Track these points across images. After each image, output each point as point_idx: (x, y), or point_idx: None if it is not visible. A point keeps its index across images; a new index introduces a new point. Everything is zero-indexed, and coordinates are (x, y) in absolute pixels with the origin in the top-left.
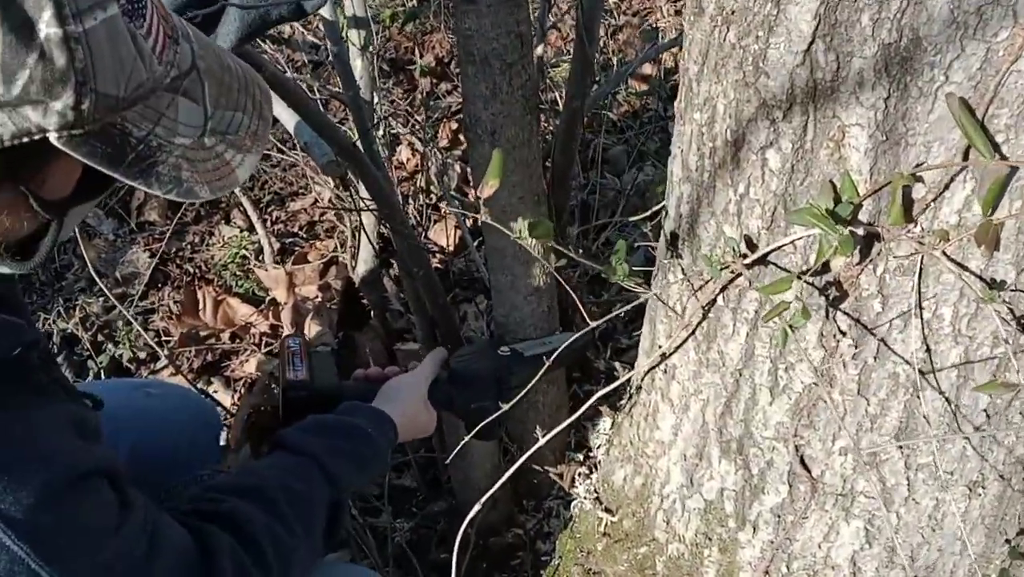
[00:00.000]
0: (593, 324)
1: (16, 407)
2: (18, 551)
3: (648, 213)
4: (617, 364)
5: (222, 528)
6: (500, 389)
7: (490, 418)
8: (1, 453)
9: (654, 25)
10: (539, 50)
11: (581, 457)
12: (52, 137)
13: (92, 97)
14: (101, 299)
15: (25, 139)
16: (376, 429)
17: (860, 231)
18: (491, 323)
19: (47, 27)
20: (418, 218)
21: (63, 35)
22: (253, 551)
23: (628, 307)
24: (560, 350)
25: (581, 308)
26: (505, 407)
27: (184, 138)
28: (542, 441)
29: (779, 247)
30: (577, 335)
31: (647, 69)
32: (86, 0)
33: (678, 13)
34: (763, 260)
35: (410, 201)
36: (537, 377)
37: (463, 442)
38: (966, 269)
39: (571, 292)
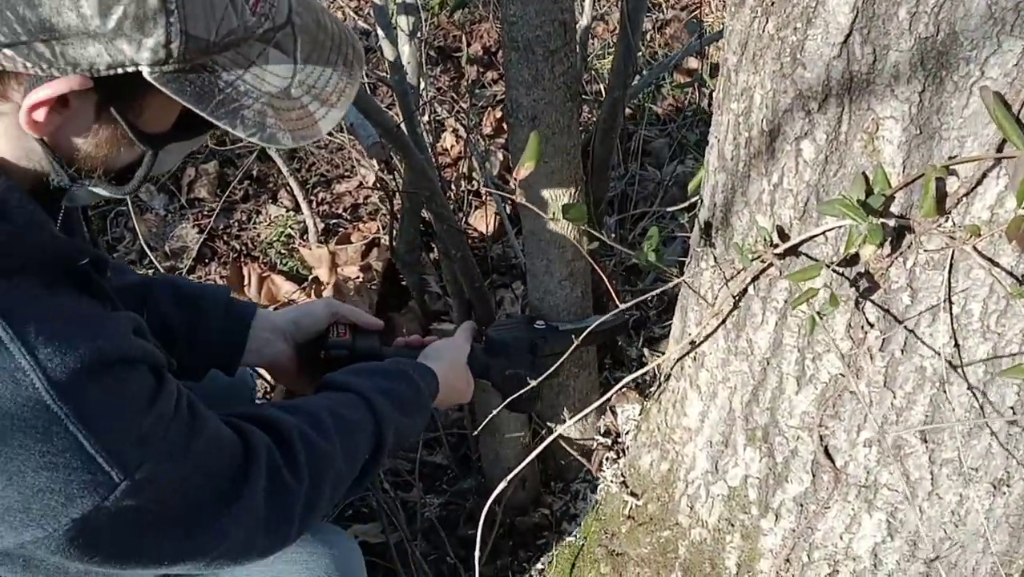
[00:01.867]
0: (623, 306)
1: (87, 300)
2: (58, 411)
3: (686, 204)
4: (647, 352)
5: (260, 428)
6: (534, 358)
7: (524, 390)
8: (60, 326)
9: (700, 19)
10: (584, 20)
11: (609, 442)
12: (144, 71)
13: (182, 38)
14: (151, 272)
15: (119, 70)
16: (419, 376)
17: (891, 223)
18: (526, 308)
19: None
20: (459, 203)
21: None
22: (287, 452)
23: (658, 291)
24: (593, 327)
25: (613, 294)
26: (532, 383)
27: (272, 87)
28: (570, 422)
29: (811, 237)
30: (611, 314)
31: (692, 63)
32: None
33: (725, 8)
34: (794, 250)
35: (452, 186)
36: (571, 351)
37: (496, 410)
38: (997, 265)
39: (603, 277)
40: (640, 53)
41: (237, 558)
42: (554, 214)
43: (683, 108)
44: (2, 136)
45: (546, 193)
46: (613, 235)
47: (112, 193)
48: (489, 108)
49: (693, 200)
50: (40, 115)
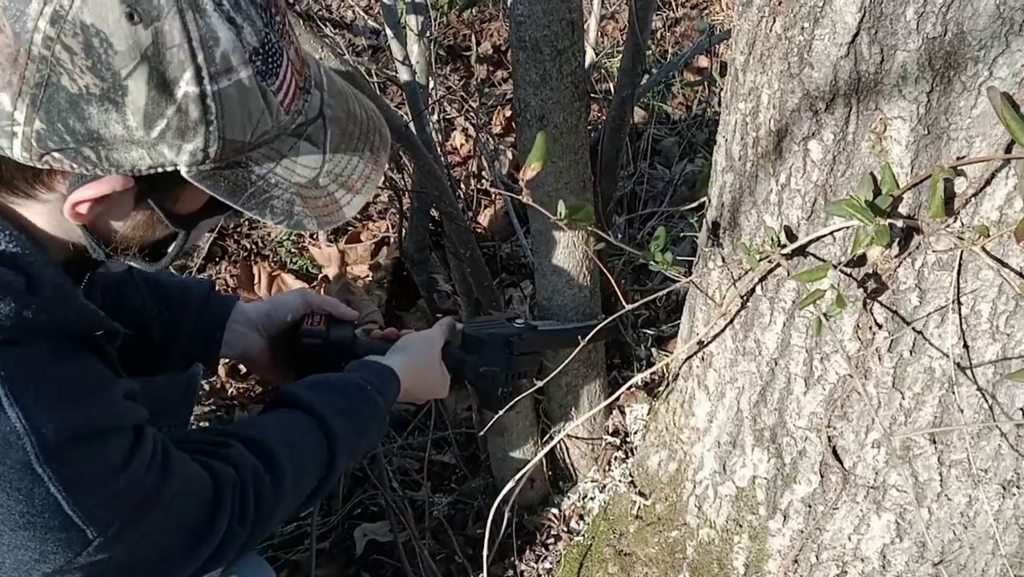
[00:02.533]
0: (615, 316)
1: (89, 367)
2: (41, 473)
3: (695, 204)
4: (655, 351)
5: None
6: (510, 356)
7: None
8: (57, 394)
9: (710, 18)
10: (592, 19)
11: (618, 441)
12: (182, 171)
13: (220, 143)
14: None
15: (159, 170)
16: (377, 385)
17: (899, 223)
18: (534, 307)
19: (186, 85)
20: (468, 202)
21: (199, 93)
22: (242, 499)
23: (665, 291)
24: (566, 329)
25: (620, 293)
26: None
27: (301, 177)
28: (578, 421)
29: (818, 238)
30: (607, 320)
31: (702, 62)
32: (223, 64)
33: (734, 7)
34: (802, 251)
35: (461, 185)
36: (569, 349)
37: (503, 410)
38: (1006, 266)
39: (610, 277)
40: (650, 52)
41: None
42: (561, 215)
43: (693, 107)
44: (45, 216)
45: (554, 193)
46: (621, 235)
47: (146, 268)
48: (499, 107)
49: (702, 200)
50: (83, 208)
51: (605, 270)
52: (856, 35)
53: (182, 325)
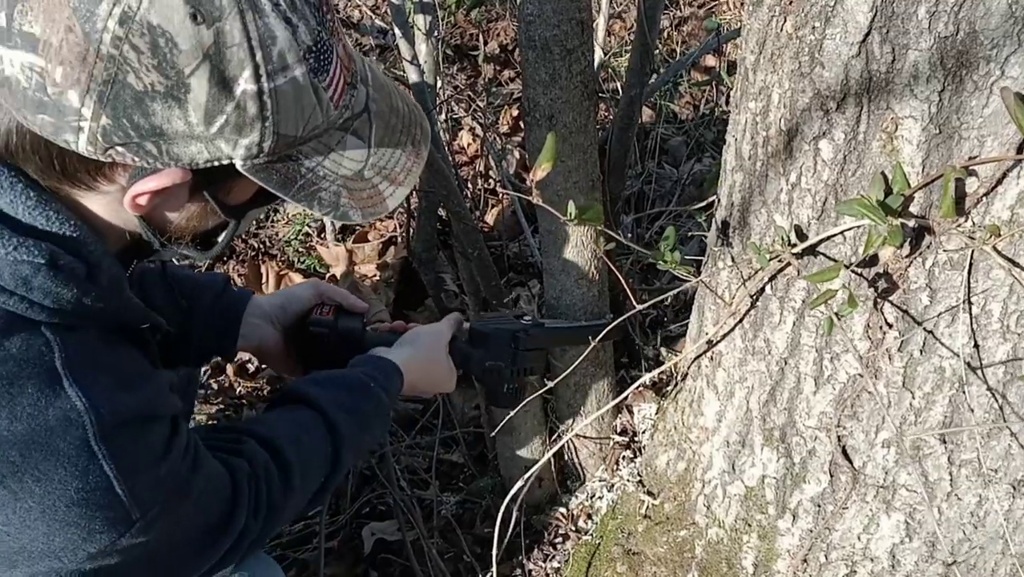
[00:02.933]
0: (632, 311)
1: (134, 357)
2: (97, 452)
3: (703, 204)
4: (664, 351)
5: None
6: (516, 352)
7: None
8: (112, 379)
9: (718, 17)
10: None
11: (626, 441)
12: (237, 164)
13: (274, 138)
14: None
15: (216, 163)
16: (380, 381)
17: (911, 223)
18: (543, 307)
19: (245, 83)
20: (476, 202)
21: (257, 90)
22: (256, 493)
23: (675, 291)
24: (573, 327)
25: (629, 293)
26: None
27: (347, 170)
28: (586, 421)
29: (829, 237)
30: (616, 321)
31: (710, 61)
32: (280, 62)
33: (743, 6)
34: (812, 250)
35: (469, 185)
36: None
37: (514, 411)
38: (1017, 265)
39: (619, 276)
40: (657, 51)
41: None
42: (571, 215)
43: (700, 106)
44: (104, 207)
45: (563, 192)
46: (630, 234)
47: (198, 257)
48: (506, 106)
49: (710, 199)
50: (143, 200)
51: (614, 269)
52: (867, 34)
53: (197, 319)
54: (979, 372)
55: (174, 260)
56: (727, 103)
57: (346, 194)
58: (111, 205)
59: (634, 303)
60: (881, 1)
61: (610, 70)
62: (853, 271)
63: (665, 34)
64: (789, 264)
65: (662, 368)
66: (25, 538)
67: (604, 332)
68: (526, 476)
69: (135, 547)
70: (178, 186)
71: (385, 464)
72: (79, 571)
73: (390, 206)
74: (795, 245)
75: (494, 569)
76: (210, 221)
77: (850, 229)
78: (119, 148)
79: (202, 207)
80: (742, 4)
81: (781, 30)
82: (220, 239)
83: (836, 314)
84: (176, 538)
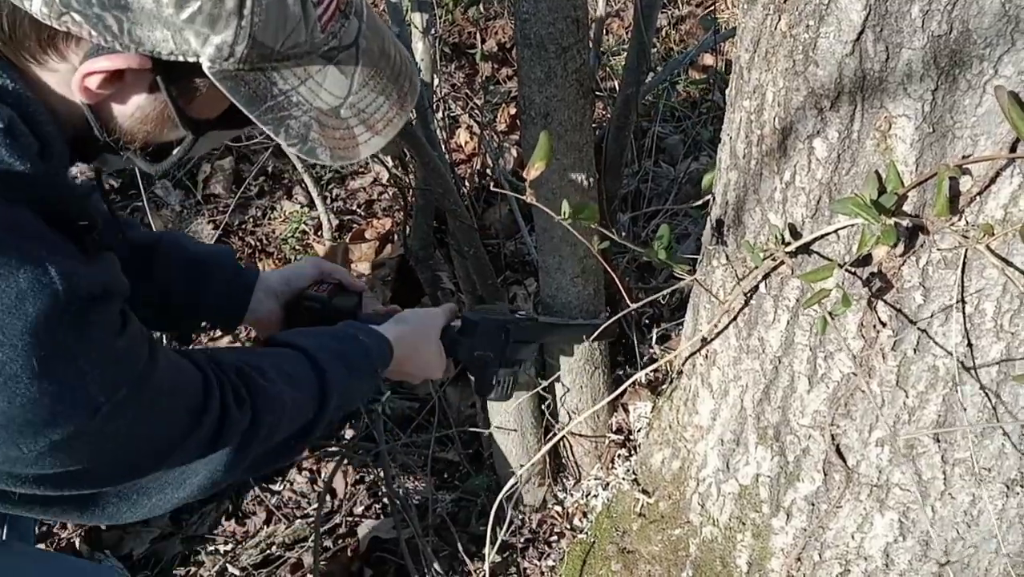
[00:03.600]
0: (626, 309)
1: (77, 241)
2: (67, 325)
3: (700, 202)
4: (657, 349)
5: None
6: (506, 343)
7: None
8: (71, 256)
9: (715, 16)
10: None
11: (621, 439)
12: (205, 65)
13: (249, 41)
14: None
15: (181, 58)
16: (368, 339)
17: (904, 222)
18: (538, 305)
19: None
20: (473, 200)
21: None
22: (235, 389)
23: (669, 289)
24: (567, 324)
25: (623, 290)
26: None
27: (323, 104)
28: (579, 418)
29: (823, 236)
30: (611, 320)
31: (707, 60)
32: None
33: (740, 4)
34: (806, 249)
35: (466, 183)
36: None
37: (513, 406)
38: (1011, 264)
39: (612, 274)
40: (655, 50)
41: (172, 477)
42: (566, 214)
43: (698, 104)
44: (54, 86)
45: (558, 191)
46: (625, 232)
47: (146, 168)
48: (503, 104)
49: (706, 198)
50: (93, 82)
51: (609, 268)
52: (861, 33)
53: (207, 295)
54: (972, 371)
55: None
56: (724, 101)
57: (317, 128)
58: (60, 86)
59: (628, 302)
60: (875, 0)
61: (608, 68)
62: (847, 270)
63: (663, 33)
64: (783, 263)
65: (656, 365)
66: None
67: (598, 332)
68: (518, 473)
69: (101, 436)
70: (134, 74)
71: (380, 462)
72: (39, 460)
73: (362, 153)
74: (789, 244)
75: (487, 567)
76: (165, 130)
77: (844, 228)
78: (75, 16)
79: (160, 111)
80: (739, 3)
81: (775, 28)
82: (173, 153)
83: (830, 313)
84: (148, 429)
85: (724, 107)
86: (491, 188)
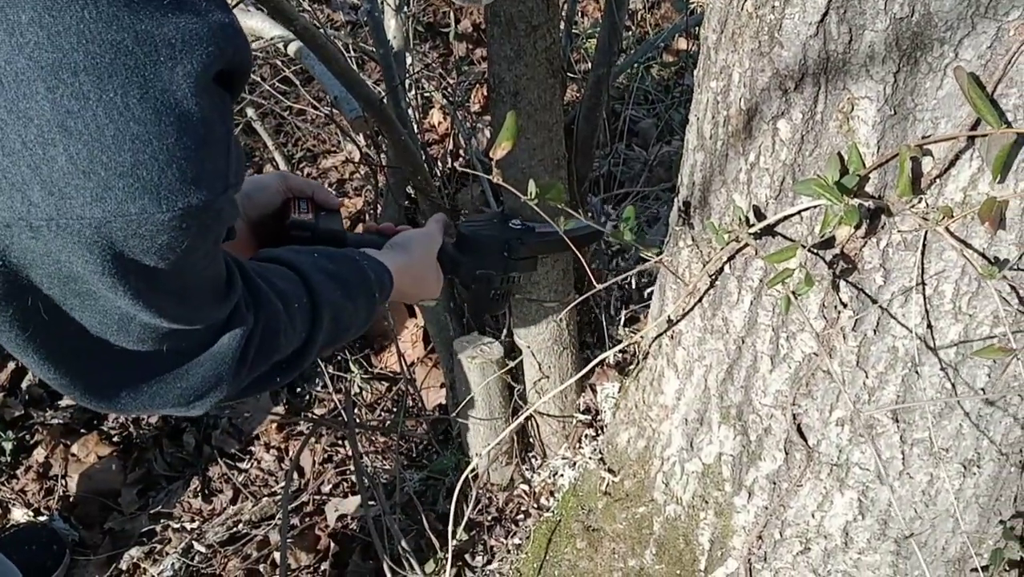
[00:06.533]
0: (592, 289)
1: None
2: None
3: (669, 185)
4: (626, 331)
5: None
6: (507, 259)
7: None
8: None
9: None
10: None
11: (588, 419)
12: None
13: None
14: None
15: None
16: (367, 262)
17: (867, 203)
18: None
19: None
20: (446, 180)
21: None
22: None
23: (634, 271)
24: (557, 236)
25: (590, 273)
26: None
27: None
28: (546, 397)
29: (785, 217)
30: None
31: (681, 44)
32: None
33: None
34: (770, 230)
35: (439, 164)
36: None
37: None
38: (969, 247)
39: (578, 253)
40: (630, 33)
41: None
42: (532, 194)
43: (671, 89)
44: None
45: (527, 171)
46: (595, 214)
47: None
48: (477, 85)
49: (676, 181)
50: None
51: (576, 249)
52: (825, 14)
53: None
54: (931, 352)
55: None
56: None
57: None
58: None
59: (594, 283)
60: None
61: (583, 51)
62: (810, 251)
63: (639, 17)
64: (747, 244)
65: (622, 346)
66: (126, 154)
67: (592, 233)
68: (484, 451)
69: (207, 227)
70: None
71: (349, 441)
72: (157, 242)
73: None
74: (753, 225)
75: (451, 545)
76: None
77: (807, 209)
78: None
79: None
80: None
81: (742, 9)
82: None
83: (793, 293)
84: (216, 259)
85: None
86: (465, 168)
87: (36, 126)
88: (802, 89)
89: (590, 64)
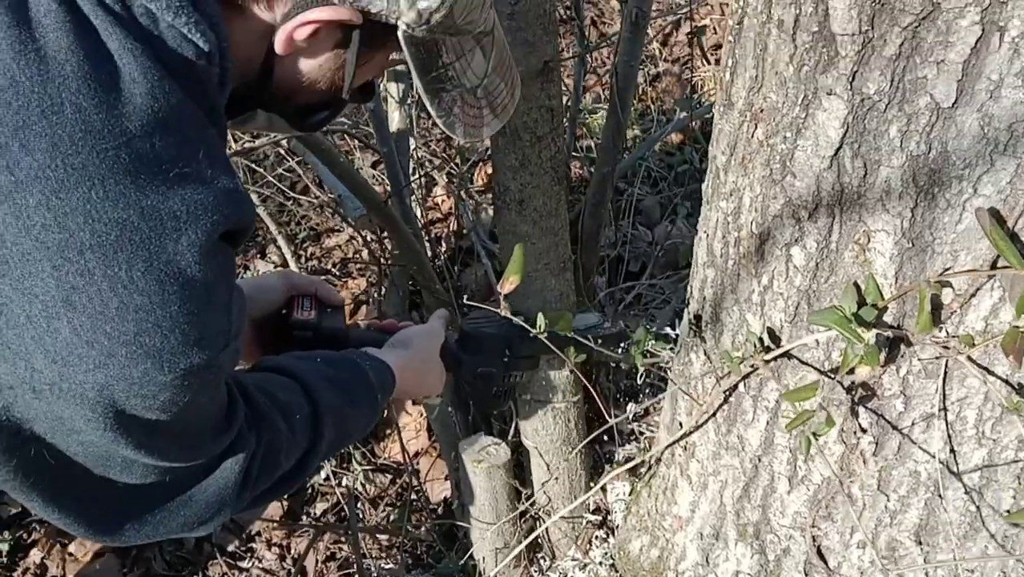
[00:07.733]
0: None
1: None
2: (223, 250)
3: (677, 278)
4: (636, 427)
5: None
6: (510, 357)
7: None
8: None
9: (693, 74)
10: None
11: (598, 520)
12: (400, 28)
13: (445, 12)
14: None
15: (384, 18)
16: (369, 365)
17: (886, 333)
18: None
19: None
20: (449, 262)
21: None
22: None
23: (647, 404)
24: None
25: (598, 398)
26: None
27: (468, 82)
28: (557, 517)
29: (801, 344)
30: (607, 331)
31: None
32: None
33: (717, 62)
34: (786, 354)
35: (443, 243)
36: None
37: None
38: (992, 374)
39: (591, 390)
40: (632, 107)
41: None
42: (541, 328)
43: (674, 166)
44: (243, 36)
45: (535, 275)
46: (603, 296)
47: (288, 127)
48: (480, 163)
49: (683, 273)
50: (303, 33)
51: (587, 383)
52: (839, 149)
53: None
54: (955, 477)
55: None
56: (700, 162)
57: (460, 105)
58: (250, 37)
59: (608, 417)
60: (852, 118)
61: (584, 127)
62: (828, 376)
63: (640, 91)
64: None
65: (633, 463)
66: (130, 324)
67: (612, 335)
68: (496, 569)
69: (209, 384)
70: (335, 29)
71: (352, 544)
72: (159, 400)
73: (485, 134)
74: (769, 348)
75: None
76: (323, 88)
77: (823, 335)
78: None
79: (335, 69)
80: (716, 60)
81: (752, 136)
82: (322, 114)
83: (814, 434)
84: (217, 400)
85: (701, 167)
86: (469, 248)
87: (41, 301)
88: (816, 219)
89: (592, 142)
